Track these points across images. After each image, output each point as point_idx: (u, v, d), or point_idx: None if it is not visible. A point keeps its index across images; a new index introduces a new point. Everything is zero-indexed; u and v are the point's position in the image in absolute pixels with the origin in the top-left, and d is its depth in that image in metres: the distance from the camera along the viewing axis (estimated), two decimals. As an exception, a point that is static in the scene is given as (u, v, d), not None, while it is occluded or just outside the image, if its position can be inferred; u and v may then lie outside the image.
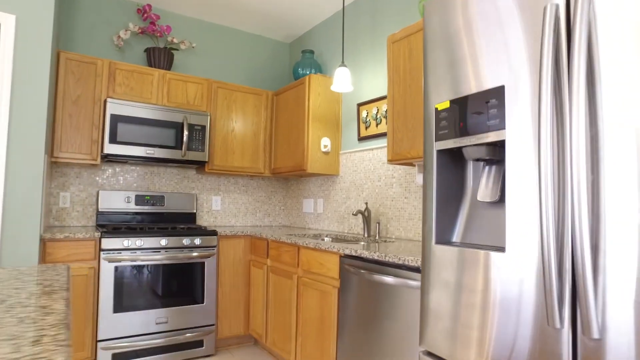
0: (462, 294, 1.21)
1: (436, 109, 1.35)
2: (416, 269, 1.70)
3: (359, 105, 3.19)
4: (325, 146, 3.31)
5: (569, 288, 0.95)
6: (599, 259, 0.89)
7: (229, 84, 3.55)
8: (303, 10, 3.59)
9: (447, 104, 1.31)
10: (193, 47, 3.74)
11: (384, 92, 2.98)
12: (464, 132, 1.24)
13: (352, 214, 2.74)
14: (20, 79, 2.41)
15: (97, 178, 3.30)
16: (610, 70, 0.90)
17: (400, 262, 1.76)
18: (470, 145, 1.23)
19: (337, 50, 3.57)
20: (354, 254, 2.08)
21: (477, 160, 1.33)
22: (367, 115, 3.11)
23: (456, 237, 1.34)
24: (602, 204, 0.90)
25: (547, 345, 0.98)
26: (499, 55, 1.15)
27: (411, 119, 2.24)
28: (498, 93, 1.14)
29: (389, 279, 1.81)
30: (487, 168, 1.30)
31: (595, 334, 0.88)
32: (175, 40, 3.51)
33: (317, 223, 3.62)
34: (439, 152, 1.34)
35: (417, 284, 1.68)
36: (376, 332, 1.90)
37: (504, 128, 1.12)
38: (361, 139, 3.16)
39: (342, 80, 2.94)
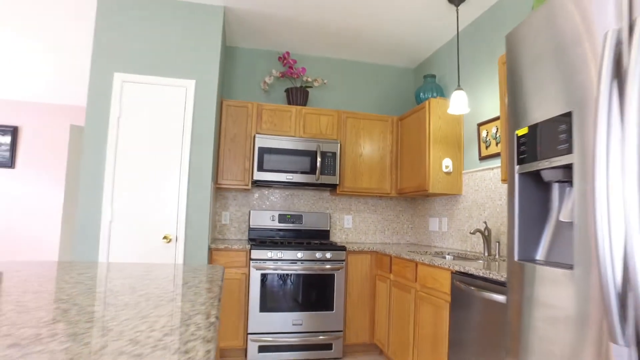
0: (537, 308, 1.28)
1: (516, 134, 1.45)
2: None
3: (479, 125, 3.23)
4: (447, 167, 3.41)
5: (634, 306, 0.98)
6: (656, 277, 0.93)
7: (356, 113, 3.93)
8: (425, 36, 3.79)
9: (525, 130, 1.40)
10: (325, 83, 4.25)
11: (503, 111, 2.98)
12: (540, 156, 1.32)
13: (470, 233, 2.78)
14: (197, 125, 3.16)
15: (249, 200, 3.98)
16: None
17: (503, 279, 1.83)
18: (546, 169, 1.31)
19: (458, 70, 3.65)
20: (462, 270, 2.18)
21: (557, 181, 1.38)
22: (487, 135, 3.13)
23: (540, 255, 1.40)
24: (660, 224, 0.93)
25: None
26: (566, 81, 1.22)
27: (522, 138, 2.25)
28: (567, 119, 1.22)
29: (495, 296, 1.88)
30: (568, 189, 1.34)
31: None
32: (309, 79, 4.05)
33: (442, 241, 3.69)
34: (521, 175, 1.43)
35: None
36: (482, 345, 1.96)
37: (572, 152, 1.19)
38: (482, 158, 3.18)
39: (457, 103, 3.05)
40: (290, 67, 3.96)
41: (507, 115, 1.51)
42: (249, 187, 3.65)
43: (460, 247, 3.39)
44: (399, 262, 3.04)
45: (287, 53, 4.01)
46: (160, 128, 3.09)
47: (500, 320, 1.85)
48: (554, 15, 1.30)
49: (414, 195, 3.83)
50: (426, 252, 3.21)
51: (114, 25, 3.07)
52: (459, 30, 3.61)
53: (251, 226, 3.87)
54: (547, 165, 1.29)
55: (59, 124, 6.07)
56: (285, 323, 3.27)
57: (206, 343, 0.73)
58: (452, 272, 2.31)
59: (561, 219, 1.33)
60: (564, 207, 1.34)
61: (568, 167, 1.26)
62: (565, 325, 1.16)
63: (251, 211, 3.88)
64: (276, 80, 4.14)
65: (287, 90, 3.94)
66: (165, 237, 3.05)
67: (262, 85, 4.03)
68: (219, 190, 3.92)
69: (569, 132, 1.21)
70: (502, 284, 1.86)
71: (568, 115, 1.21)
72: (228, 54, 4.07)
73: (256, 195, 4.01)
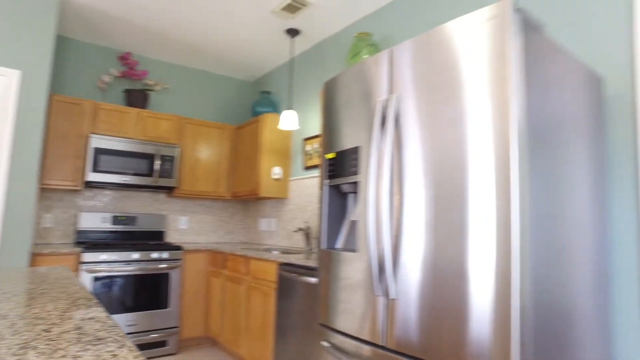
0: (338, 281, 1.82)
1: (326, 157, 1.98)
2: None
3: (305, 139, 3.84)
4: (277, 174, 3.93)
5: (386, 273, 1.57)
6: (399, 256, 1.52)
7: (196, 120, 4.15)
8: (264, 56, 4.25)
9: (333, 155, 1.95)
10: (167, 88, 4.34)
11: (323, 131, 3.64)
12: (341, 174, 1.88)
13: (294, 231, 3.33)
14: (22, 121, 2.95)
15: (78, 201, 3.81)
16: (410, 135, 1.55)
17: (315, 266, 2.37)
18: (344, 183, 1.87)
19: (290, 92, 4.24)
20: (287, 261, 2.67)
21: (351, 192, 1.97)
22: (310, 149, 3.75)
23: (339, 244, 1.96)
24: (403, 221, 1.53)
25: (376, 306, 1.60)
26: (359, 125, 1.80)
27: (334, 156, 2.88)
28: (356, 150, 1.79)
29: (311, 279, 2.41)
30: (356, 198, 1.93)
31: (393, 296, 1.50)
32: (151, 82, 4.10)
33: (271, 239, 4.20)
34: (329, 186, 1.97)
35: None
36: (302, 320, 2.49)
37: (358, 173, 1.76)
38: (306, 168, 3.79)
39: (287, 121, 3.59)
40: (131, 68, 3.95)
41: (323, 140, 2.04)
42: (80, 188, 3.53)
43: (286, 244, 3.95)
44: (232, 259, 3.41)
45: (128, 53, 3.99)
46: (-25, 121, 2.79)
47: (315, 297, 2.40)
48: (359, 75, 1.87)
49: (247, 198, 4.25)
50: (257, 249, 3.66)
51: None
52: (294, 56, 4.19)
53: (80, 229, 3.72)
54: (345, 181, 1.84)
55: None
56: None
57: (101, 308, 0.98)
58: (278, 264, 2.79)
59: (352, 218, 1.91)
60: (354, 211, 1.92)
61: (356, 183, 1.84)
62: (355, 289, 1.72)
63: (80, 213, 3.73)
64: (115, 80, 4.06)
65: (126, 91, 3.91)
66: (-24, 241, 2.77)
67: (98, 83, 3.91)
68: (42, 191, 3.65)
69: (357, 159, 1.78)
70: (315, 269, 2.40)
71: (358, 148, 1.79)
72: (61, 44, 3.82)
73: (86, 196, 3.86)
